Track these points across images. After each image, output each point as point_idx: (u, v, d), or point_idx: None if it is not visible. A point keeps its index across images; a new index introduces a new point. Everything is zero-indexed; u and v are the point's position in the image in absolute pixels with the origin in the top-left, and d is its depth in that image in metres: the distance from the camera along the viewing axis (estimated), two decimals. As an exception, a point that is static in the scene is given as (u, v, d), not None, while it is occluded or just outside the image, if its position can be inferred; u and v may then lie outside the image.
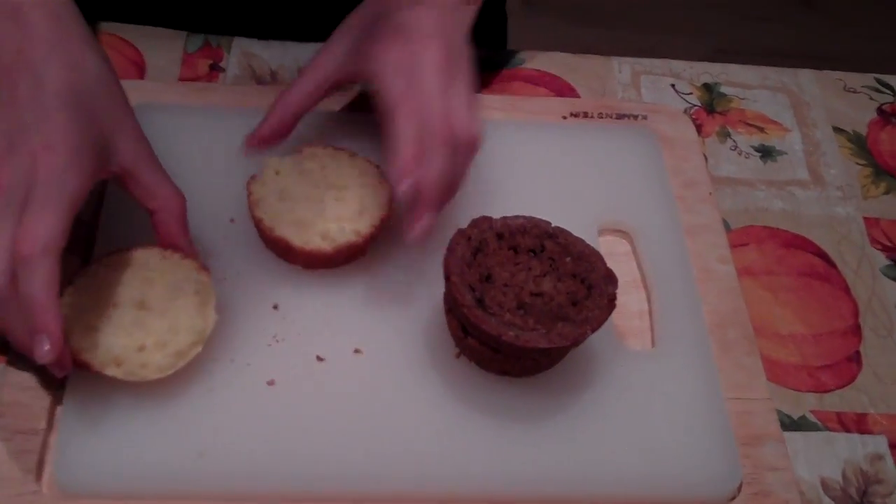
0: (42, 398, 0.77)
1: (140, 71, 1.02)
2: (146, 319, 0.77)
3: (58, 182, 0.71)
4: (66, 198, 0.71)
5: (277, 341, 0.82)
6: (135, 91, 0.95)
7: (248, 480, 0.75)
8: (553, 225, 0.83)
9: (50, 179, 0.70)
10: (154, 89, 0.97)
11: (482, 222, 0.82)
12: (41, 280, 0.68)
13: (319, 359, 0.81)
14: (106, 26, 1.05)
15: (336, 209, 0.85)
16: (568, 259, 0.81)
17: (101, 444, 0.75)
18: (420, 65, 0.81)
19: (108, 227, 0.87)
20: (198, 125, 0.94)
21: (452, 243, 0.80)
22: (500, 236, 0.81)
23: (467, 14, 0.88)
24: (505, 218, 0.82)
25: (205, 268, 0.80)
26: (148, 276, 0.79)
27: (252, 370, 0.80)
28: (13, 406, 0.77)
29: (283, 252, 0.85)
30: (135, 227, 0.83)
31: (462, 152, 0.81)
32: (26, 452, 0.75)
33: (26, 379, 0.78)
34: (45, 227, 0.69)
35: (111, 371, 0.75)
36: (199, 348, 0.77)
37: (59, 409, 0.77)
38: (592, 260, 0.81)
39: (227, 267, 0.84)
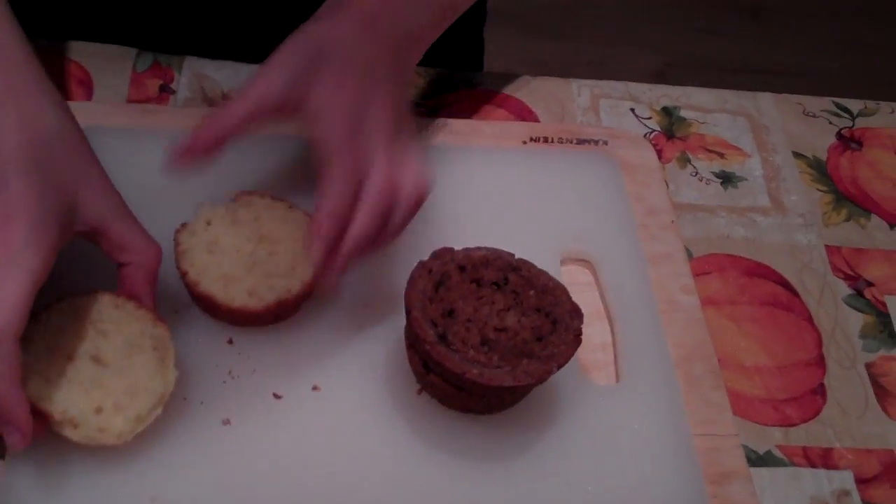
0: (-15, 440, 0.74)
1: (87, 90, 0.99)
2: (103, 377, 0.73)
3: (17, 260, 0.66)
4: (26, 276, 0.66)
5: (233, 378, 0.79)
6: (81, 113, 0.91)
7: (203, 526, 0.72)
8: (516, 257, 0.81)
9: (8, 258, 0.66)
10: (101, 111, 0.94)
11: (444, 254, 0.79)
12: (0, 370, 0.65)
13: (276, 396, 0.78)
14: (52, 45, 1.01)
15: (266, 264, 0.81)
16: (532, 292, 0.79)
17: (48, 487, 0.72)
18: (365, 111, 0.77)
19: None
20: (147, 149, 0.90)
21: (414, 276, 0.78)
22: (462, 269, 0.79)
23: (415, 54, 0.85)
24: (467, 249, 0.80)
25: (161, 319, 0.76)
26: (102, 328, 0.75)
27: (206, 409, 0.77)
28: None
29: (209, 307, 0.81)
30: (81, 269, 0.80)
31: (405, 207, 0.77)
32: (-32, 498, 0.71)
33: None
34: (3, 312, 0.65)
35: (68, 433, 0.71)
36: (159, 410, 0.73)
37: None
38: (557, 293, 0.79)
39: (178, 298, 0.81)
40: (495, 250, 0.80)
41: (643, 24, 2.62)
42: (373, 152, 0.76)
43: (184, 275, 0.79)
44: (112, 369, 0.73)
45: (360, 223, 0.74)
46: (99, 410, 0.71)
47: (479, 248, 0.80)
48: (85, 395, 0.72)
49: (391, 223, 0.77)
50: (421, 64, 0.95)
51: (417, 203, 0.78)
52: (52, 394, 0.71)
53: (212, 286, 0.79)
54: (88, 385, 0.72)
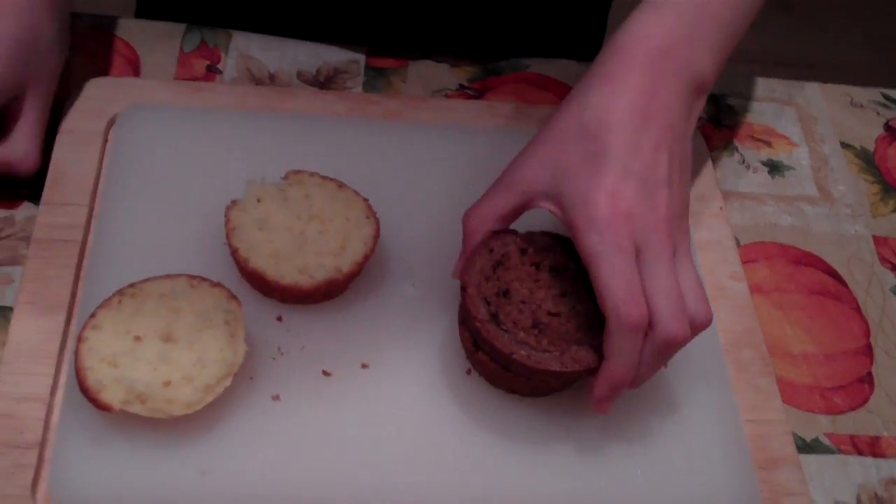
0: (37, 408, 0.74)
1: (135, 70, 0.99)
2: (172, 353, 0.73)
3: None
4: None
5: (282, 354, 0.79)
6: (130, 89, 0.93)
7: (251, 500, 0.72)
8: None
9: None
10: (150, 87, 0.94)
11: (506, 235, 0.79)
12: None
13: (326, 373, 0.78)
14: (99, 22, 1.01)
15: (317, 243, 0.81)
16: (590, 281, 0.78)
17: (98, 460, 0.72)
18: (645, 225, 0.70)
19: (104, 251, 0.83)
20: (196, 126, 0.90)
21: (473, 254, 0.77)
22: (523, 251, 0.78)
23: (700, 106, 0.78)
24: (531, 233, 0.80)
25: (234, 297, 0.77)
26: (175, 305, 0.76)
27: (256, 384, 0.77)
28: (6, 418, 0.73)
29: (259, 284, 0.81)
30: (134, 250, 0.82)
31: (682, 344, 0.72)
32: (22, 468, 0.71)
33: (20, 388, 0.74)
34: None
35: (135, 408, 0.71)
36: (229, 381, 0.73)
37: (54, 420, 0.74)
38: None
39: (225, 273, 0.81)
40: (558, 236, 0.80)
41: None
42: (655, 282, 0.70)
43: (234, 251, 0.79)
44: (182, 343, 0.74)
45: (643, 377, 0.73)
46: (167, 384, 0.72)
47: (543, 233, 0.80)
48: (153, 371, 0.72)
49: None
50: (541, 51, 0.96)
51: (694, 335, 0.73)
52: (119, 375, 0.72)
53: (262, 263, 0.79)
54: (156, 362, 0.73)
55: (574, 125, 0.73)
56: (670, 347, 0.71)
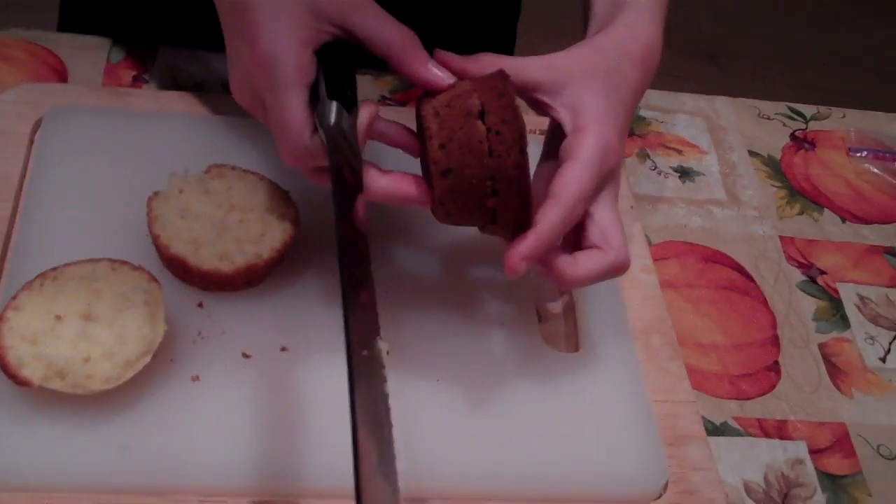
0: (-41, 390, 0.75)
1: (62, 79, 1.01)
2: (92, 331, 0.75)
3: (274, 78, 0.70)
4: (287, 91, 0.70)
5: (203, 338, 0.80)
6: (56, 94, 0.95)
7: (170, 475, 0.73)
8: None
9: (268, 80, 0.70)
10: (76, 93, 0.96)
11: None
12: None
13: (245, 356, 0.80)
14: (26, 34, 1.04)
15: (237, 231, 0.83)
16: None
17: (19, 435, 0.73)
18: (613, 158, 0.77)
19: (28, 242, 0.85)
20: (121, 127, 0.93)
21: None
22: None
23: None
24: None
25: (154, 279, 0.79)
26: (96, 287, 0.77)
27: (176, 366, 0.78)
28: (-73, 399, 0.74)
29: (181, 271, 0.83)
30: (58, 241, 0.83)
31: (605, 274, 0.77)
32: (-59, 445, 0.72)
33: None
34: (290, 131, 0.70)
35: (54, 384, 0.72)
36: (148, 359, 0.74)
37: (-24, 402, 0.75)
38: None
39: (147, 263, 0.82)
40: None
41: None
42: (600, 206, 0.77)
43: (156, 238, 0.81)
44: (102, 322, 0.75)
45: (589, 276, 0.76)
46: (87, 360, 0.73)
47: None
48: (73, 348, 0.73)
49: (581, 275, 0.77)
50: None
51: (620, 271, 0.78)
52: (40, 352, 0.73)
53: (183, 248, 0.81)
54: (77, 339, 0.74)
55: (598, 68, 0.79)
56: (617, 268, 0.76)
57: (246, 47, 0.71)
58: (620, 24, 0.83)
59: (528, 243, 0.72)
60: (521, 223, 0.73)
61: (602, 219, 0.77)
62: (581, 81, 0.78)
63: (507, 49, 1.27)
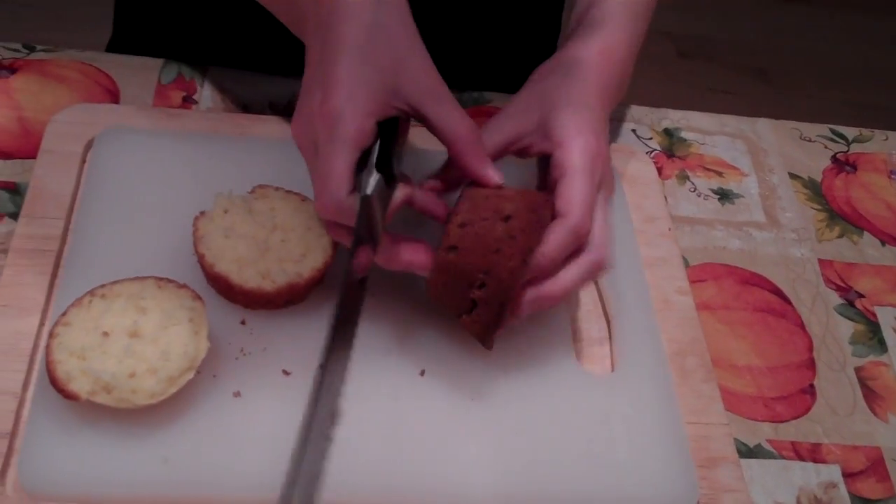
0: (8, 402, 0.78)
1: (114, 99, 1.04)
2: (137, 347, 0.77)
3: (336, 132, 0.73)
4: (343, 146, 0.73)
5: (245, 354, 0.83)
6: (108, 114, 0.97)
7: (211, 488, 0.76)
8: None
9: (329, 132, 0.73)
10: (128, 112, 0.99)
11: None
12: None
13: (286, 372, 0.82)
14: (80, 55, 1.07)
15: (279, 250, 0.85)
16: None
17: (65, 447, 0.75)
18: (602, 165, 0.82)
19: (79, 259, 0.88)
20: (170, 148, 0.95)
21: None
22: None
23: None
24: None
25: (199, 297, 0.81)
26: (142, 304, 0.80)
27: (219, 381, 0.81)
28: (-21, 410, 0.77)
29: (224, 289, 0.85)
30: (107, 259, 0.86)
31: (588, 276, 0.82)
32: (-9, 454, 0.75)
33: (-8, 384, 0.78)
34: (333, 184, 0.73)
35: (101, 398, 0.75)
36: (192, 374, 0.77)
37: (24, 413, 0.78)
38: None
39: (192, 281, 0.85)
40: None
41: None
42: (597, 215, 0.81)
43: (201, 258, 0.84)
44: (147, 339, 0.78)
45: (572, 282, 0.80)
46: (132, 375, 0.76)
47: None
48: (119, 363, 0.76)
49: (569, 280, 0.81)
50: (499, 47, 1.09)
51: (596, 269, 0.82)
52: (87, 367, 0.75)
53: (226, 267, 0.83)
54: (122, 355, 0.77)
55: (562, 92, 0.85)
56: (595, 267, 0.81)
57: (320, 96, 0.74)
58: (570, 43, 0.91)
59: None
60: (490, 326, 0.78)
61: None
62: (548, 106, 0.84)
63: (553, 37, 1.30)
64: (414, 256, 0.79)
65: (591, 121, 0.83)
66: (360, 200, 0.74)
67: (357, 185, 0.74)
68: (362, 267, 0.75)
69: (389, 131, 0.77)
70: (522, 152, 0.85)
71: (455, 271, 0.76)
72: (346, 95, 0.73)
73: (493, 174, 0.80)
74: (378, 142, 0.76)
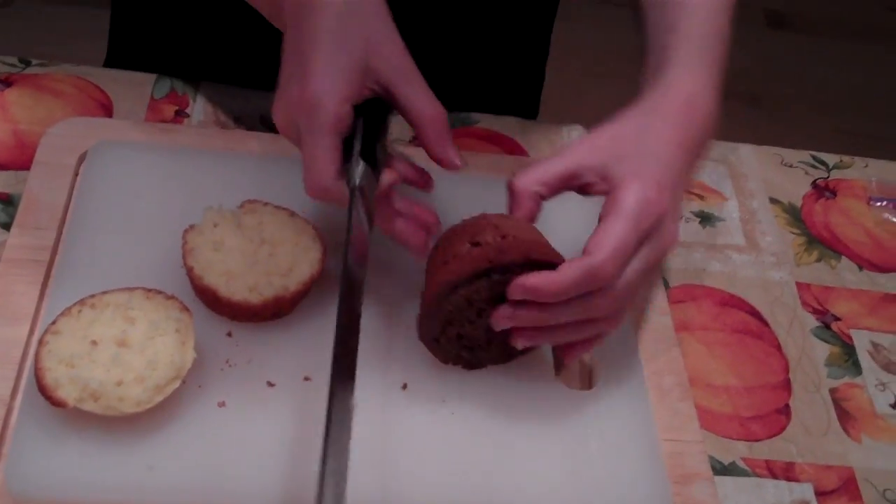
0: (-5, 409, 0.79)
1: (107, 113, 1.06)
2: (125, 356, 0.79)
3: (315, 119, 0.76)
4: (324, 134, 0.76)
5: (230, 366, 0.84)
6: (101, 128, 0.99)
7: (195, 495, 0.77)
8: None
9: (309, 120, 0.76)
10: (121, 127, 1.01)
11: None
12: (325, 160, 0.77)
13: (270, 384, 0.84)
14: (75, 70, 1.09)
15: (267, 264, 0.87)
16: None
17: (52, 454, 0.77)
18: (655, 233, 0.81)
19: (69, 270, 0.89)
20: (162, 162, 0.97)
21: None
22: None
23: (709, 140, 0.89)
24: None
25: (186, 308, 0.83)
26: (130, 314, 0.82)
27: (203, 392, 0.82)
28: (-33, 416, 0.79)
29: (211, 302, 0.87)
30: (97, 270, 0.88)
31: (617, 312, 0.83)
32: (-22, 460, 0.76)
33: (-19, 391, 0.80)
34: (318, 173, 0.76)
35: (88, 406, 0.76)
36: (178, 384, 0.79)
37: (12, 419, 0.79)
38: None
39: (180, 293, 0.86)
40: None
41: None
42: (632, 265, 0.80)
43: (189, 270, 0.86)
44: (135, 348, 0.79)
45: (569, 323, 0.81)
46: (119, 383, 0.77)
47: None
48: (106, 371, 0.78)
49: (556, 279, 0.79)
50: (487, 104, 1.09)
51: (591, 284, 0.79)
52: (74, 375, 0.77)
53: (214, 280, 0.85)
54: (110, 363, 0.78)
55: (631, 135, 0.84)
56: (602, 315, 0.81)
57: (298, 87, 0.76)
58: (658, 85, 0.87)
59: (535, 280, 0.77)
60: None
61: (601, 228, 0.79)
62: (615, 150, 0.83)
63: (536, 88, 1.32)
64: (414, 238, 0.83)
65: (656, 172, 0.81)
66: (349, 191, 0.77)
67: (346, 174, 0.77)
68: (358, 255, 0.78)
69: (373, 119, 0.80)
70: (583, 189, 0.84)
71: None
72: (322, 84, 0.76)
73: (453, 157, 0.81)
74: (362, 131, 0.79)
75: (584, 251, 0.78)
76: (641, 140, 0.83)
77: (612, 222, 0.78)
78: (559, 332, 0.81)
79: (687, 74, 0.87)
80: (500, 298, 0.80)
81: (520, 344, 0.82)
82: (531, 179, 0.83)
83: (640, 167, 0.81)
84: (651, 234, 0.80)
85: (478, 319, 0.83)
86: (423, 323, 0.84)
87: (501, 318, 0.80)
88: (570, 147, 0.85)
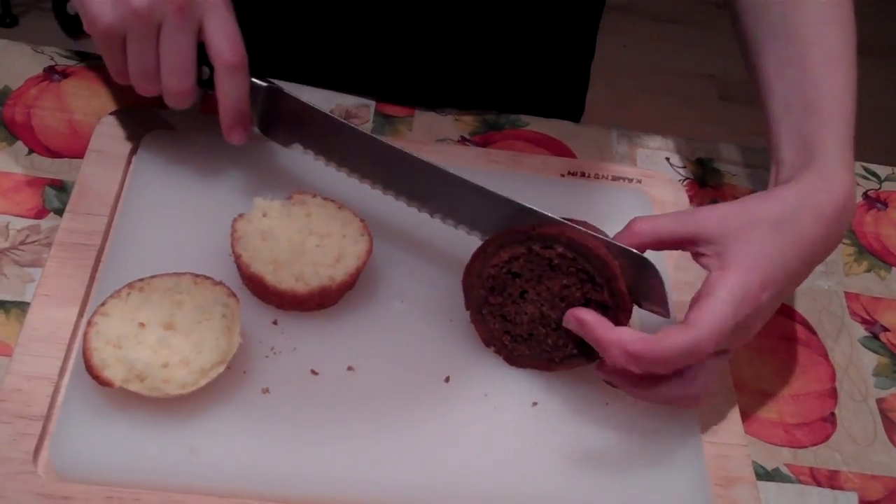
0: (45, 386, 0.80)
1: (161, 106, 1.06)
2: (172, 339, 0.80)
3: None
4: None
5: (275, 353, 0.85)
6: (155, 118, 1.01)
7: (236, 479, 0.78)
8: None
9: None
10: (173, 117, 1.02)
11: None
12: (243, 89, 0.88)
13: (314, 372, 0.84)
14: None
15: (314, 254, 0.87)
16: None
17: (97, 433, 0.78)
18: (751, 324, 0.81)
19: (119, 254, 0.90)
20: (214, 153, 0.98)
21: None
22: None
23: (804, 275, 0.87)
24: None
25: (233, 294, 0.84)
26: (178, 298, 0.83)
27: (248, 378, 0.83)
28: (15, 393, 0.79)
29: (258, 289, 0.87)
30: (146, 255, 0.89)
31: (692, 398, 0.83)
32: (26, 436, 0.77)
33: (31, 368, 0.81)
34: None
35: (134, 386, 0.77)
36: (223, 368, 0.79)
37: (59, 398, 0.80)
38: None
39: (227, 281, 0.87)
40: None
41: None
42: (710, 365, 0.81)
43: (237, 258, 0.86)
44: (181, 331, 0.80)
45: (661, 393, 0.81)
46: (165, 365, 0.78)
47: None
48: (153, 353, 0.79)
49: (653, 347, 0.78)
50: (532, 106, 1.10)
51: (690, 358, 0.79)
52: (122, 356, 0.78)
53: (262, 268, 0.85)
54: (156, 345, 0.79)
55: (767, 218, 0.82)
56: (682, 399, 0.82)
57: None
58: (812, 175, 0.85)
59: (640, 345, 0.77)
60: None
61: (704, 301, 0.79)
62: (742, 231, 0.81)
63: (586, 62, 1.32)
64: None
65: (771, 268, 0.80)
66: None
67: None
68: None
69: None
70: (694, 255, 0.84)
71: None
72: None
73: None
74: None
75: (686, 320, 0.78)
76: (780, 230, 0.82)
77: (716, 302, 0.78)
78: (642, 386, 0.81)
79: (842, 171, 0.86)
80: (540, 281, 0.83)
81: (603, 377, 0.82)
82: (651, 226, 0.84)
83: (758, 258, 0.80)
84: (740, 330, 0.80)
85: (520, 301, 0.84)
86: (468, 291, 0.86)
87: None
88: (698, 210, 0.85)
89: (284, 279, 0.85)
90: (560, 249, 0.82)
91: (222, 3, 0.84)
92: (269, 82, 0.90)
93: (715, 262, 0.81)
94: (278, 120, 0.92)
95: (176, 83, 0.87)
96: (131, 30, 0.84)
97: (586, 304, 0.82)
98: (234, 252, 0.87)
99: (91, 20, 0.83)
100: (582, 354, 0.84)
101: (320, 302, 0.87)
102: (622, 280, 0.81)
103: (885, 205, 1.15)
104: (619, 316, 0.82)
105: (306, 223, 0.89)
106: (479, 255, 0.85)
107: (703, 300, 0.79)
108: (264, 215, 0.89)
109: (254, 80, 0.89)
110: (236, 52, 0.86)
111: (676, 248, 0.85)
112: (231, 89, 0.88)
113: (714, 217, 0.83)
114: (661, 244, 0.84)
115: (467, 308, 0.88)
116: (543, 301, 0.84)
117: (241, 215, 0.89)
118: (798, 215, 0.82)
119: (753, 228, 0.81)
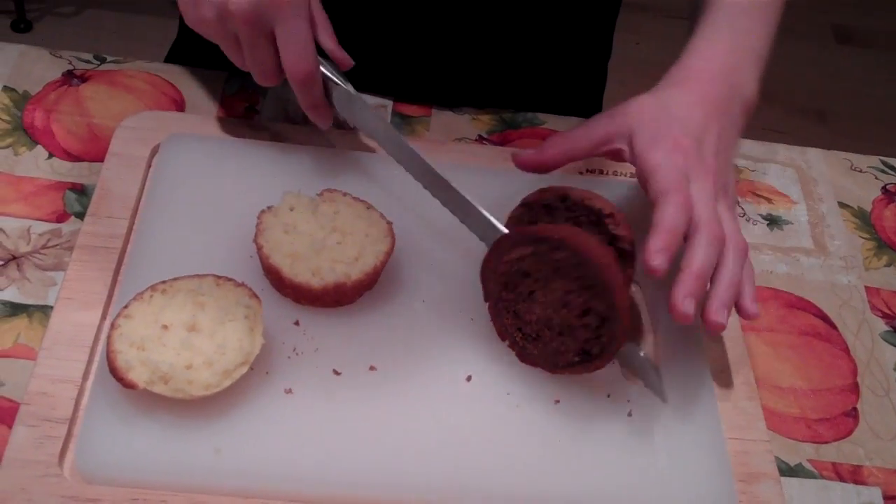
0: (69, 389, 0.81)
1: (179, 109, 1.07)
2: (195, 340, 0.80)
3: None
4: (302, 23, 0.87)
5: (297, 354, 0.85)
6: (174, 122, 1.01)
7: (261, 479, 0.78)
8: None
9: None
10: (192, 121, 1.02)
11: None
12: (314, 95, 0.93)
13: (336, 372, 0.84)
14: (148, 66, 1.11)
15: (333, 251, 0.88)
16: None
17: (121, 435, 0.78)
18: (695, 175, 0.86)
19: (141, 257, 0.91)
20: (235, 154, 0.98)
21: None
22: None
23: (744, 121, 0.95)
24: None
25: (255, 296, 0.84)
26: (201, 300, 0.83)
27: (271, 378, 0.83)
28: (40, 396, 0.80)
29: (276, 281, 0.88)
30: (168, 257, 0.90)
31: (734, 256, 0.86)
32: (51, 439, 0.78)
33: (56, 371, 0.81)
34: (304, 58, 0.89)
35: (158, 388, 0.78)
36: (246, 369, 0.80)
37: (84, 401, 0.80)
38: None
39: (249, 278, 0.88)
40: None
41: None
42: (699, 207, 0.85)
43: (259, 248, 0.87)
44: (205, 333, 0.81)
45: (700, 256, 0.83)
46: (189, 367, 0.78)
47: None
48: (176, 355, 0.79)
49: (727, 270, 0.85)
50: (549, 104, 1.11)
51: (744, 253, 0.87)
52: (145, 358, 0.79)
53: (280, 260, 0.86)
54: (180, 347, 0.80)
55: (652, 104, 0.91)
56: (714, 245, 0.84)
57: None
58: (680, 59, 0.95)
59: (656, 239, 0.81)
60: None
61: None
62: (636, 119, 0.89)
63: (603, 60, 1.33)
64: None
65: (674, 130, 0.87)
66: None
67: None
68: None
69: None
70: (614, 155, 0.91)
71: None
72: None
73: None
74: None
75: (655, 196, 0.84)
76: (664, 100, 0.90)
77: (658, 169, 0.85)
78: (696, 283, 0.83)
79: (704, 43, 0.95)
80: (547, 283, 0.84)
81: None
82: (561, 150, 0.92)
83: (657, 130, 0.88)
84: (693, 162, 0.87)
85: (529, 300, 0.84)
86: (486, 284, 0.88)
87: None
88: (604, 115, 0.92)
89: (300, 273, 0.86)
90: (564, 254, 0.82)
91: (291, 15, 0.87)
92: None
93: (627, 153, 0.89)
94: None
95: (262, 82, 0.93)
96: (217, 39, 0.91)
97: (587, 312, 0.82)
98: (256, 243, 0.88)
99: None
100: (582, 363, 0.84)
101: (336, 299, 0.88)
102: (623, 293, 0.81)
103: (905, 199, 1.15)
104: (615, 328, 0.82)
105: (331, 220, 0.90)
106: (495, 249, 0.86)
107: (649, 178, 0.86)
108: (291, 209, 0.90)
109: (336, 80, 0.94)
110: (300, 67, 0.89)
111: (597, 154, 0.92)
112: (302, 97, 0.93)
113: (615, 112, 0.91)
114: (574, 154, 0.92)
115: (485, 300, 0.88)
116: (549, 304, 0.84)
117: (269, 208, 0.90)
118: (674, 84, 0.92)
119: (642, 107, 0.90)
